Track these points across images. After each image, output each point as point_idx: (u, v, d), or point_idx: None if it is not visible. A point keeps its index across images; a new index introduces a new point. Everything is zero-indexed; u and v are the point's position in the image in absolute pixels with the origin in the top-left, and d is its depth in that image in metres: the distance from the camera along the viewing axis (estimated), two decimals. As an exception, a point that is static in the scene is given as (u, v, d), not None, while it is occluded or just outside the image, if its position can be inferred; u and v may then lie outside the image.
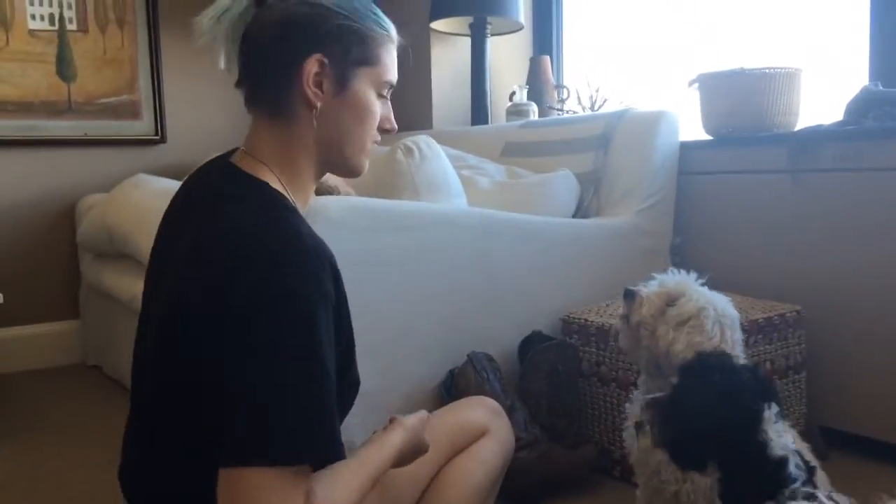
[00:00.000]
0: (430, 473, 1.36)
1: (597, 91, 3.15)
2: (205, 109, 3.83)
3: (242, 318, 0.94)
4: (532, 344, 2.12)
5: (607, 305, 2.24)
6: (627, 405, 1.63)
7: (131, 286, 2.77)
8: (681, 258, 2.28)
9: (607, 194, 2.53)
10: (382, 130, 1.19)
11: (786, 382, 2.12)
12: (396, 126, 1.22)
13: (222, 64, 1.16)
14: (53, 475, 2.24)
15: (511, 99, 3.36)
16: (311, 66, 1.08)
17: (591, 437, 2.13)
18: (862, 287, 2.14)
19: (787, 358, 2.12)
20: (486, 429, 1.47)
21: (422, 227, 2.00)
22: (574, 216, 2.51)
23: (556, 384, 2.06)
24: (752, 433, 1.05)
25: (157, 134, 3.70)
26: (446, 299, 2.05)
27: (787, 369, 2.12)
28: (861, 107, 2.18)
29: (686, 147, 2.56)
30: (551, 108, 3.37)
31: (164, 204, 2.90)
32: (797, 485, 1.03)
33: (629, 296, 1.57)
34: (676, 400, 1.10)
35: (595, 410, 2.12)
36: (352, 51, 1.10)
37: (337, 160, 1.16)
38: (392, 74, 1.17)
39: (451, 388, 1.99)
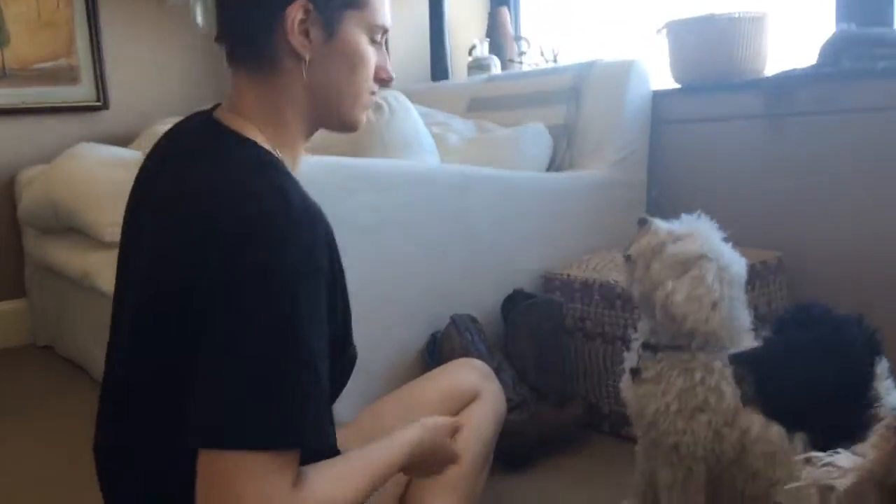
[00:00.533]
0: None
1: (558, 43, 3.08)
2: (150, 73, 3.63)
3: (217, 291, 0.85)
4: (514, 303, 2.06)
5: (588, 259, 2.19)
6: (625, 354, 1.58)
7: (82, 262, 2.62)
8: (659, 211, 2.23)
9: (580, 147, 2.47)
10: (379, 80, 1.09)
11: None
12: (394, 75, 1.12)
13: (199, 19, 1.05)
14: (11, 457, 2.12)
15: (471, 53, 3.27)
16: (295, 12, 0.97)
17: (578, 393, 2.09)
18: (842, 230, 2.13)
19: (770, 304, 2.10)
20: (476, 392, 1.45)
21: (398, 186, 1.91)
22: (547, 170, 2.44)
23: (541, 342, 2.00)
24: (861, 390, 0.99)
25: (98, 100, 3.49)
26: (426, 261, 1.97)
27: (770, 315, 2.10)
28: (836, 49, 2.14)
29: (658, 96, 2.51)
30: (512, 61, 3.28)
31: (112, 174, 2.79)
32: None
33: (642, 223, 1.51)
34: (774, 355, 1.04)
35: (581, 366, 2.08)
36: None
37: (330, 115, 1.07)
38: (383, 17, 1.06)
39: (435, 353, 1.93)
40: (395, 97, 2.05)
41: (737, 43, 2.35)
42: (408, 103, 2.09)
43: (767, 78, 2.26)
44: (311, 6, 0.98)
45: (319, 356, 0.88)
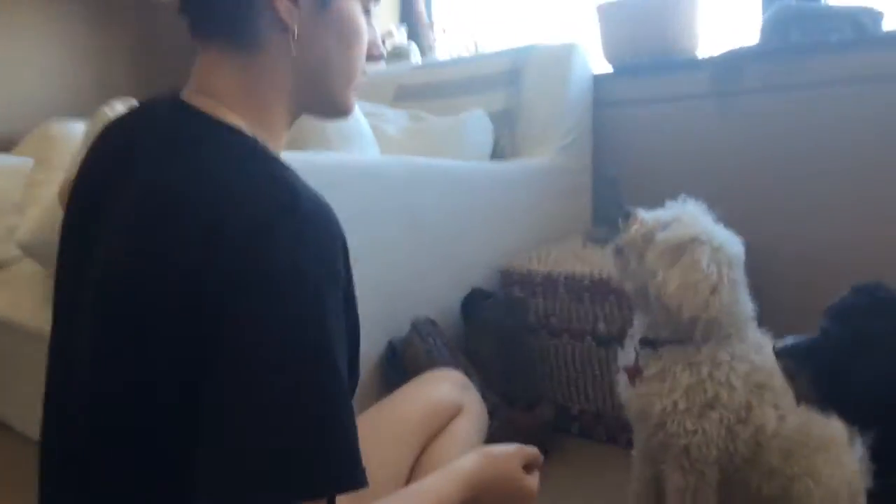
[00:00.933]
0: (410, 463, 1.22)
1: (478, 30, 2.96)
2: (30, 74, 3.33)
3: (223, 309, 0.66)
4: (474, 302, 1.91)
5: (548, 252, 2.06)
6: (619, 351, 1.46)
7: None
8: (617, 191, 2.14)
9: (524, 133, 2.34)
10: (370, 58, 0.92)
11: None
12: (385, 52, 0.94)
13: None
14: None
15: (385, 42, 3.10)
16: None
17: (545, 394, 1.96)
18: (798, 210, 2.09)
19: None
20: (458, 406, 1.33)
21: (344, 181, 1.72)
22: (490, 158, 2.30)
23: (506, 343, 1.86)
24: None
25: (-29, 104, 3.14)
26: (377, 261, 1.79)
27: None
28: (781, 24, 2.10)
29: (599, 79, 2.42)
30: (432, 48, 3.14)
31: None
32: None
33: (626, 215, 1.42)
34: (839, 347, 0.92)
35: (547, 365, 1.95)
36: None
37: (320, 98, 0.89)
38: None
39: (396, 361, 1.75)
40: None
41: (670, 23, 2.30)
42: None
43: (713, 56, 2.21)
44: None
45: (345, 379, 0.71)
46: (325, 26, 0.84)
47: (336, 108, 0.92)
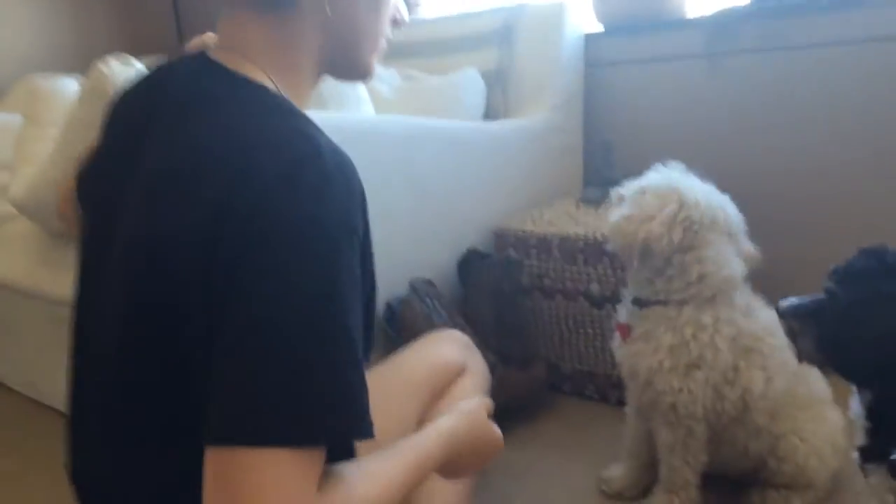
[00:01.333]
0: (414, 423, 1.23)
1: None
2: (5, 27, 3.25)
3: (238, 258, 0.68)
4: (470, 263, 1.94)
5: (541, 213, 2.08)
6: (617, 307, 1.50)
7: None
8: (611, 155, 2.15)
9: (516, 93, 2.34)
10: (393, 22, 0.95)
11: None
12: (407, 17, 0.96)
13: None
14: None
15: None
16: None
17: (539, 353, 2.00)
18: (788, 169, 2.12)
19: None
20: (462, 367, 1.36)
21: (342, 141, 1.70)
22: (482, 119, 2.31)
23: (502, 304, 1.89)
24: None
25: (-51, 57, 3.08)
26: (374, 221, 1.79)
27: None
28: (773, -16, 2.12)
29: (591, 38, 2.41)
30: (418, 4, 3.10)
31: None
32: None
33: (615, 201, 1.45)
34: (845, 309, 0.95)
35: (540, 325, 1.99)
36: None
37: (346, 60, 0.91)
38: None
39: (394, 322, 1.78)
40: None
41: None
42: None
43: (707, 16, 2.21)
44: None
45: (357, 331, 0.73)
46: None
47: (358, 71, 0.94)
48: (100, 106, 1.59)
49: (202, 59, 0.84)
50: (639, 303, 1.42)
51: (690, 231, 1.34)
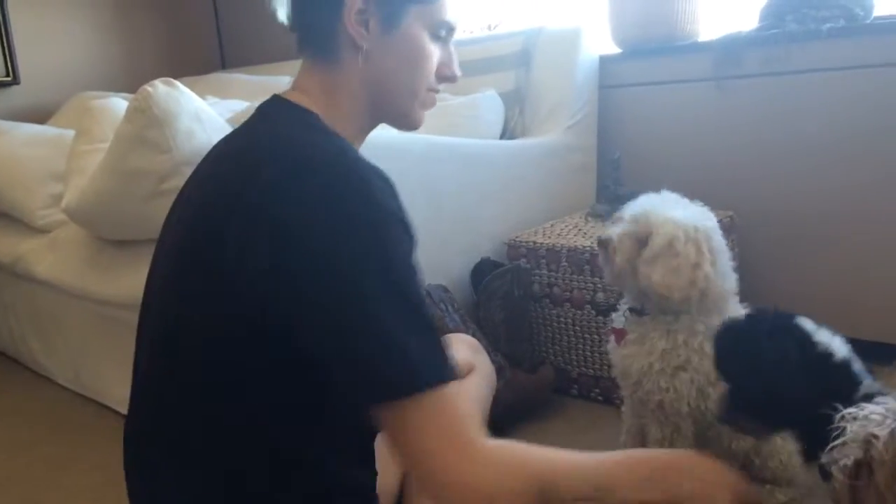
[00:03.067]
0: None
1: (493, 10, 3.06)
2: (61, 47, 3.48)
3: (322, 241, 0.83)
4: (483, 271, 2.06)
5: (552, 226, 2.20)
6: (614, 315, 1.60)
7: (13, 247, 2.47)
8: (619, 172, 2.26)
9: (533, 113, 2.47)
10: (442, 78, 1.06)
11: (724, 286, 2.17)
12: (459, 73, 1.07)
13: (281, 15, 1.03)
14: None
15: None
16: (354, 1, 0.96)
17: (547, 358, 2.12)
18: (789, 189, 2.22)
19: (724, 263, 2.17)
20: (471, 367, 1.47)
21: (368, 156, 1.86)
22: (500, 137, 2.44)
23: (513, 309, 2.02)
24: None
25: (8, 75, 3.29)
26: (394, 232, 1.94)
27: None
28: (777, 10, 2.22)
29: (605, 61, 2.53)
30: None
31: (34, 152, 2.62)
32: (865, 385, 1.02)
33: (603, 245, 1.49)
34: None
35: (549, 332, 2.10)
36: None
37: (388, 109, 1.05)
38: (450, 13, 1.02)
39: (410, 324, 1.90)
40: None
41: (675, 6, 2.40)
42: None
43: (714, 41, 2.31)
44: None
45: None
46: (390, 49, 0.99)
47: (402, 121, 1.07)
48: (143, 123, 1.76)
49: (274, 96, 1.02)
50: (637, 311, 1.51)
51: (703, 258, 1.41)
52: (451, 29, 1.04)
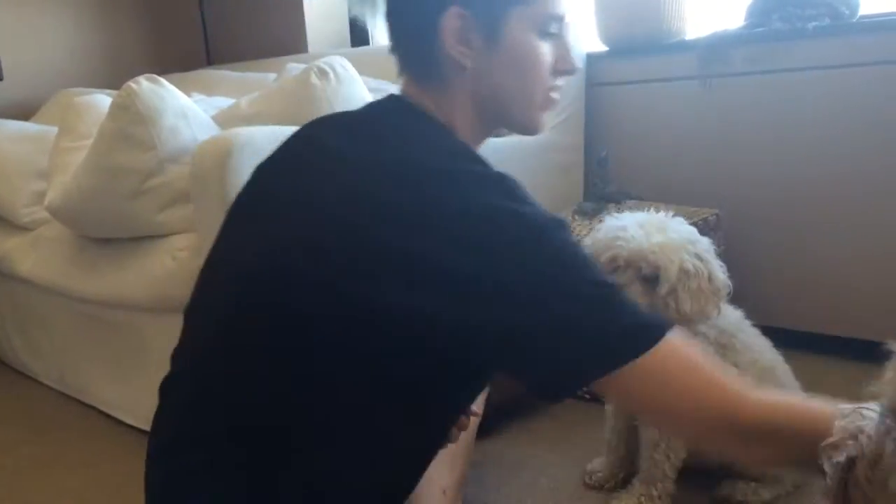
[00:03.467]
0: None
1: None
2: (44, 43, 3.45)
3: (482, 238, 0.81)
4: (470, 269, 2.06)
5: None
6: None
7: (-2, 244, 2.45)
8: (607, 171, 2.26)
9: (519, 111, 2.46)
10: (560, 73, 1.01)
11: (709, 284, 2.18)
12: (576, 65, 1.03)
13: (374, 33, 1.04)
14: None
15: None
16: (451, 21, 0.93)
17: (534, 356, 2.11)
18: (774, 187, 2.23)
19: (710, 260, 2.17)
20: None
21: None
22: (487, 135, 2.43)
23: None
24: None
25: (-9, 72, 3.27)
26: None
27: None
28: (763, 9, 2.22)
29: (591, 59, 2.53)
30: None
31: (18, 148, 2.59)
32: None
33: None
34: None
35: (536, 330, 2.10)
36: None
37: (504, 118, 1.03)
38: (558, 5, 0.97)
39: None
40: (340, 63, 1.99)
41: (662, 4, 2.40)
42: (353, 70, 2.03)
43: (700, 39, 2.32)
44: (467, 12, 0.93)
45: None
46: (498, 61, 0.96)
47: (521, 127, 1.04)
48: (127, 120, 1.74)
49: (390, 95, 1.02)
50: None
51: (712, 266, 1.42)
52: (561, 21, 0.99)
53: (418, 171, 0.85)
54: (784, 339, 1.61)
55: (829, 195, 2.14)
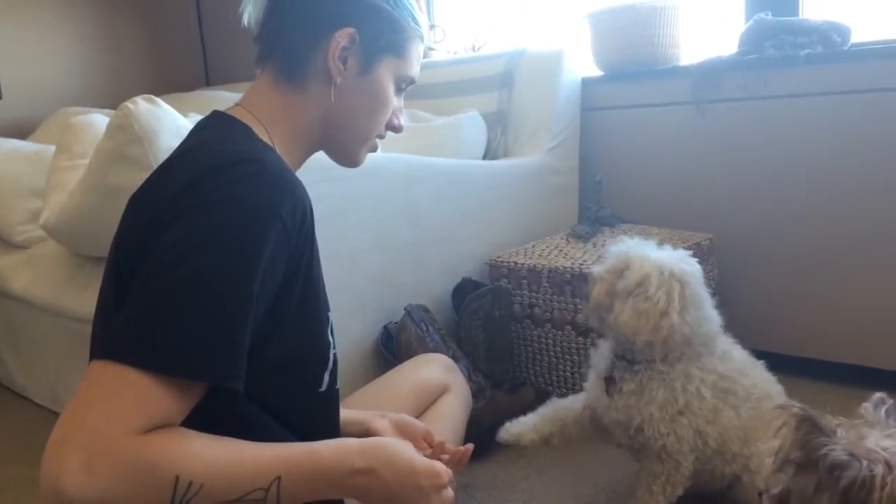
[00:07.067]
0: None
1: (479, 32, 3.08)
2: (43, 62, 3.46)
3: (171, 219, 0.84)
4: (464, 291, 2.06)
5: (533, 246, 2.21)
6: (592, 352, 1.59)
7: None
8: (601, 195, 2.28)
9: (515, 134, 2.49)
10: (391, 127, 1.13)
11: (704, 308, 2.18)
12: (404, 126, 1.15)
13: (246, 19, 1.05)
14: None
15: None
16: (342, 38, 1.01)
17: (527, 378, 2.12)
18: (768, 212, 2.24)
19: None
20: (445, 386, 1.50)
21: (349, 176, 1.86)
22: (483, 157, 2.45)
23: (493, 329, 2.02)
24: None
25: (-11, 90, 3.28)
26: (376, 252, 1.94)
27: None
28: (756, 36, 2.25)
29: (587, 83, 2.55)
30: (431, 49, 3.26)
31: (14, 167, 2.60)
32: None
33: (585, 279, 1.49)
34: None
35: (530, 352, 2.10)
36: (383, 35, 1.05)
37: (337, 144, 1.09)
38: (415, 70, 1.12)
39: (391, 344, 1.90)
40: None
41: (657, 31, 2.43)
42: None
43: (694, 65, 2.34)
44: (357, 37, 1.01)
45: (252, 298, 0.83)
46: (359, 90, 1.04)
47: (346, 157, 1.12)
48: (124, 140, 1.75)
49: (215, 112, 1.03)
50: (626, 360, 1.47)
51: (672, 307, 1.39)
52: (411, 84, 1.12)
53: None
54: (777, 363, 1.61)
55: (822, 220, 2.15)
